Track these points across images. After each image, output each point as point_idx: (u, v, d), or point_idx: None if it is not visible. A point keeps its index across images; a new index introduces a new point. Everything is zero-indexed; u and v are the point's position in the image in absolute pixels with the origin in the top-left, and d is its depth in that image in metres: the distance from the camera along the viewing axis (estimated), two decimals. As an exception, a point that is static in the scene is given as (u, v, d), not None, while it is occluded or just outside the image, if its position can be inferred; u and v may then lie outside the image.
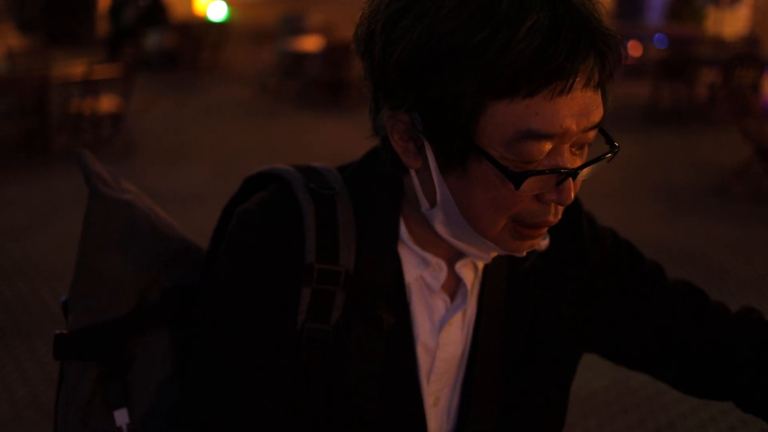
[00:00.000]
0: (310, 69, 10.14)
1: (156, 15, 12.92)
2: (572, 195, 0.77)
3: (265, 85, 10.84)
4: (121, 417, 0.92)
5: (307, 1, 18.50)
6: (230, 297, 0.87)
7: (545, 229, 0.82)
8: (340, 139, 7.94)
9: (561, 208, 0.81)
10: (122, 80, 7.39)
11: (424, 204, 0.86)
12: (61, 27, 14.74)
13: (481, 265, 0.94)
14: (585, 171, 0.78)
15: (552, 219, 0.80)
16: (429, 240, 0.89)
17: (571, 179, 0.77)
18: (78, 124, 7.32)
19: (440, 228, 0.86)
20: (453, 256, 0.92)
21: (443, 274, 0.91)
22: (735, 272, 4.74)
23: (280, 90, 10.70)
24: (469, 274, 0.93)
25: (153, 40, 12.68)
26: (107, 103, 7.41)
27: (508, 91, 0.72)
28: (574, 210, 0.99)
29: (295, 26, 12.13)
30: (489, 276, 0.94)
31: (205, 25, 14.31)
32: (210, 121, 9.09)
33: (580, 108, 0.74)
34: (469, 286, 0.92)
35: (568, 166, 0.76)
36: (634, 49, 12.16)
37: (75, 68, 7.47)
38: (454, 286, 0.93)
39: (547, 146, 0.75)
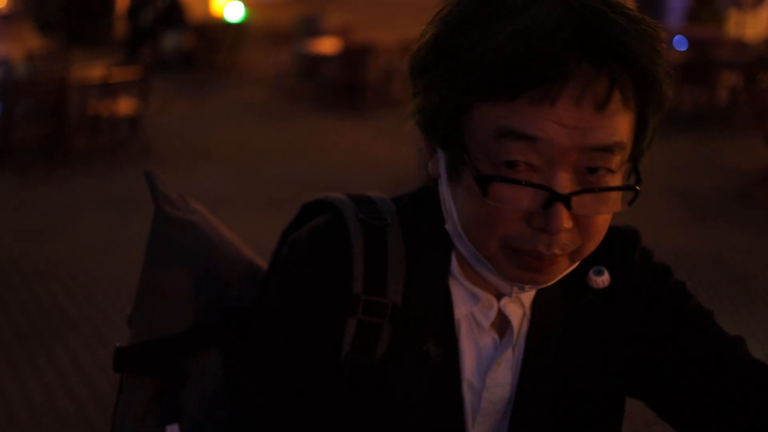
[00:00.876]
0: (327, 71, 10.12)
1: (174, 16, 12.96)
2: (561, 225, 0.71)
3: (282, 87, 10.84)
4: None
5: (324, 3, 18.52)
6: (278, 323, 0.88)
7: (548, 263, 0.75)
8: (356, 142, 7.93)
9: (556, 240, 0.73)
10: (140, 82, 7.42)
11: (446, 220, 0.85)
12: (81, 28, 14.82)
13: (527, 302, 0.90)
14: (590, 202, 0.72)
15: (543, 250, 0.73)
16: (480, 276, 0.87)
17: (561, 206, 0.70)
18: (96, 126, 7.35)
19: (458, 247, 0.85)
20: (501, 293, 0.89)
21: (493, 311, 0.88)
22: (757, 279, 4.67)
23: (297, 92, 10.70)
24: (516, 310, 0.89)
25: (171, 40, 12.72)
26: (125, 105, 7.44)
27: (489, 94, 0.70)
28: (629, 244, 0.94)
29: (312, 28, 12.12)
30: (540, 313, 0.90)
31: (223, 25, 14.35)
32: (227, 123, 9.10)
33: (572, 121, 0.69)
34: (516, 324, 0.89)
35: (559, 188, 0.71)
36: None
37: (94, 70, 7.50)
38: (504, 325, 0.90)
39: (527, 150, 0.70)
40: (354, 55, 9.78)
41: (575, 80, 0.68)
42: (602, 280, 0.90)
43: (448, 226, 0.85)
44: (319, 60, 10.43)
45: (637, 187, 0.74)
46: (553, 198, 0.71)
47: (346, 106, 9.80)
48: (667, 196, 6.43)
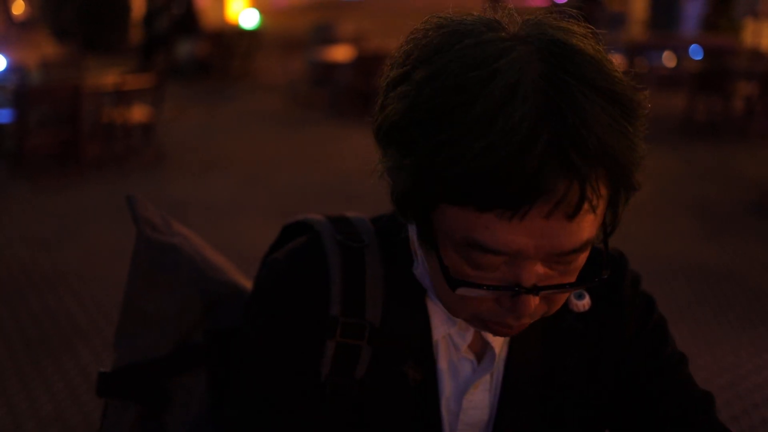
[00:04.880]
0: (341, 78, 10.13)
1: (188, 23, 13.03)
2: (529, 310, 0.72)
3: (296, 94, 10.86)
4: None
5: (337, 11, 18.56)
6: (257, 345, 0.88)
7: (517, 329, 0.77)
8: (370, 150, 7.89)
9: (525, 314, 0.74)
10: (154, 89, 7.44)
11: (414, 263, 0.85)
12: (96, 35, 14.93)
13: None
14: (556, 278, 0.72)
15: (512, 323, 0.75)
16: None
17: (529, 296, 0.71)
18: (109, 134, 7.38)
19: (428, 291, 0.84)
20: None
21: (470, 333, 0.87)
22: (773, 294, 4.61)
23: (311, 99, 10.71)
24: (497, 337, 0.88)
25: (185, 48, 12.79)
26: (139, 113, 7.47)
27: (458, 200, 0.68)
28: (618, 270, 0.92)
29: (326, 35, 12.16)
30: (519, 336, 0.88)
31: (237, 33, 14.41)
32: (240, 131, 9.12)
33: (541, 232, 0.67)
34: (497, 349, 0.88)
35: (525, 283, 0.71)
36: (668, 59, 12.00)
37: (108, 78, 7.54)
38: (481, 347, 0.89)
39: (498, 260, 0.70)
40: (367, 63, 9.79)
41: (548, 195, 0.65)
42: (583, 304, 0.89)
43: (417, 272, 0.85)
44: (332, 67, 10.44)
45: (603, 275, 0.74)
46: (520, 291, 0.71)
47: (359, 113, 9.80)
48: (681, 207, 6.37)
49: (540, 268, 0.71)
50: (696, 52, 11.68)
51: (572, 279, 0.74)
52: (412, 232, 0.83)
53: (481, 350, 0.89)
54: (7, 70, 8.25)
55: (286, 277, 0.87)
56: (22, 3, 14.82)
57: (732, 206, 6.43)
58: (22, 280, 4.64)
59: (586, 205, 0.66)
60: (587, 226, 0.69)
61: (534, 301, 0.72)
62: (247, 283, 1.06)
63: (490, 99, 0.65)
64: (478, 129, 0.64)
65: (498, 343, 0.88)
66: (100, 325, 4.05)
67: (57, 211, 6.00)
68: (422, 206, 0.72)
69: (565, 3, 20.58)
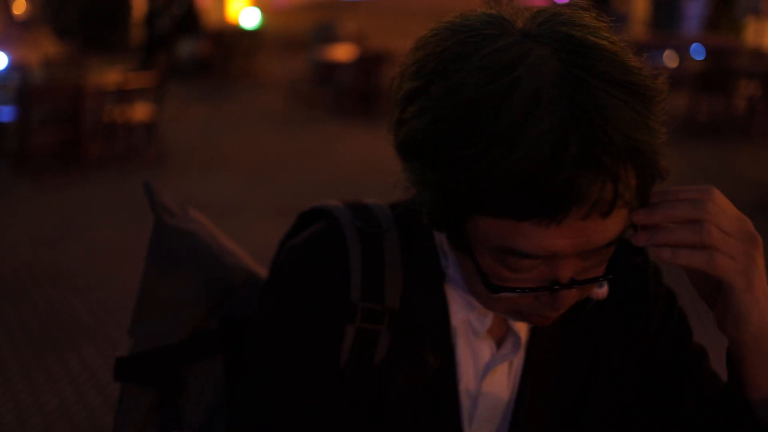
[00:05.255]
0: (342, 78, 10.14)
1: (189, 23, 13.05)
2: (569, 304, 0.75)
3: (297, 94, 10.87)
4: None
5: (339, 10, 18.57)
6: (275, 331, 0.87)
7: (554, 318, 0.80)
8: (371, 148, 7.92)
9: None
10: (155, 88, 7.45)
11: (442, 260, 0.86)
12: (97, 34, 14.94)
13: None
14: (591, 270, 0.74)
15: (551, 314, 0.78)
16: None
17: (566, 291, 0.74)
18: (111, 132, 7.38)
19: (457, 285, 0.86)
20: None
21: (489, 318, 0.88)
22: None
23: (312, 98, 10.72)
24: (521, 323, 0.89)
25: (186, 47, 12.79)
26: (140, 112, 7.47)
27: (494, 212, 0.68)
28: (642, 262, 0.93)
29: (327, 35, 12.16)
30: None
31: (238, 32, 14.42)
32: (242, 129, 9.13)
33: (578, 233, 0.68)
34: (523, 335, 0.89)
35: (562, 279, 0.73)
36: (669, 59, 12.00)
37: (110, 77, 7.54)
38: (502, 332, 0.89)
39: (536, 262, 0.72)
40: (369, 62, 9.80)
41: (583, 199, 0.65)
42: (602, 291, 0.89)
43: (447, 269, 0.86)
44: (334, 67, 10.45)
45: (635, 261, 0.80)
46: (559, 288, 0.73)
47: (361, 113, 9.81)
48: (684, 206, 6.36)
49: (576, 263, 0.72)
50: (698, 52, 11.68)
51: (603, 268, 0.76)
52: (440, 235, 0.84)
53: (503, 336, 0.89)
54: (8, 68, 8.26)
55: (305, 263, 0.87)
56: (23, 2, 14.84)
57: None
58: (25, 278, 4.64)
59: (619, 201, 0.67)
60: (620, 219, 0.70)
61: (572, 294, 0.74)
62: (261, 271, 1.06)
63: (514, 110, 0.64)
64: (506, 142, 0.64)
65: (522, 329, 0.89)
66: (103, 323, 4.05)
67: (59, 209, 6.01)
68: (455, 218, 0.72)
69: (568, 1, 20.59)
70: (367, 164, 7.44)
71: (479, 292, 0.78)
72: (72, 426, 3.15)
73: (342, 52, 10.77)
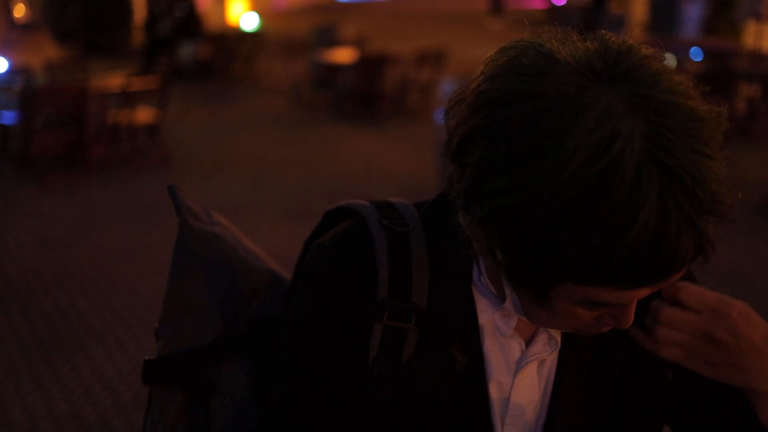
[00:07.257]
0: (344, 81, 10.15)
1: (191, 26, 13.05)
2: (630, 320, 0.77)
3: (299, 97, 10.87)
4: None
5: (340, 13, 18.58)
6: (303, 330, 0.88)
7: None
8: (373, 151, 7.93)
9: None
10: (158, 91, 7.46)
11: (491, 289, 0.87)
12: (98, 38, 14.94)
13: None
14: None
15: (605, 330, 0.81)
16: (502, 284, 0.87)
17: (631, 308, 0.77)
18: (115, 135, 7.39)
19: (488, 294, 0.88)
20: None
21: (514, 320, 0.88)
22: (781, 294, 4.63)
23: (314, 101, 10.72)
24: None
25: (187, 50, 12.79)
26: (143, 114, 7.48)
27: (593, 283, 0.70)
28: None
29: (329, 37, 12.16)
30: None
31: (239, 35, 14.42)
32: (244, 132, 9.13)
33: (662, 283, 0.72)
34: (557, 335, 0.89)
35: (631, 307, 0.77)
36: (668, 62, 11.97)
37: (113, 80, 7.55)
38: (530, 331, 0.90)
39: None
40: (370, 65, 9.80)
41: (683, 262, 0.69)
42: None
43: (477, 280, 0.88)
44: (335, 69, 10.45)
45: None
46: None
47: (362, 116, 9.81)
48: (687, 207, 6.37)
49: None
50: (697, 55, 11.70)
51: None
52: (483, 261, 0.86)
53: (532, 334, 0.90)
54: (8, 72, 8.27)
55: (333, 261, 0.87)
56: (24, 6, 14.84)
57: (737, 206, 6.43)
58: (32, 280, 4.65)
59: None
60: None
61: (633, 311, 0.77)
62: (285, 272, 1.07)
63: (620, 189, 0.64)
64: (617, 221, 0.64)
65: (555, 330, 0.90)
66: (111, 325, 4.06)
67: (64, 212, 6.02)
68: (543, 284, 0.72)
69: (565, 5, 20.59)
70: (369, 166, 7.45)
71: (532, 313, 0.81)
72: (82, 428, 3.15)
73: (343, 55, 10.77)
